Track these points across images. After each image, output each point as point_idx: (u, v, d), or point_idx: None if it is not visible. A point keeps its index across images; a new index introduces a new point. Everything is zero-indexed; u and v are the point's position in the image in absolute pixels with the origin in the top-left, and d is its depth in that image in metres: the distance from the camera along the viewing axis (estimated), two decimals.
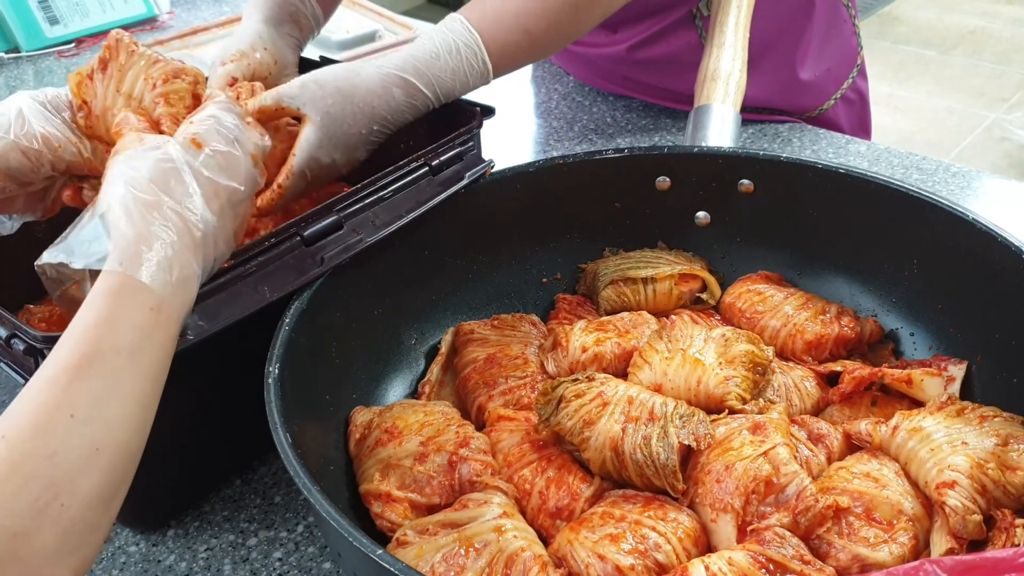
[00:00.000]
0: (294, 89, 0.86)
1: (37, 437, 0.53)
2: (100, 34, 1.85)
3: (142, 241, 0.61)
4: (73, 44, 1.83)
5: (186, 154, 0.66)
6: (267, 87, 0.91)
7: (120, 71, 0.76)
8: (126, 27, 1.88)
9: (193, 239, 0.64)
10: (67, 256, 0.64)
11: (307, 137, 0.84)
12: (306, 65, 1.08)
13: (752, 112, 1.38)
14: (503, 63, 0.95)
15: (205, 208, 0.65)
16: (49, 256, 0.65)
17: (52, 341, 0.68)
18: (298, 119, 0.87)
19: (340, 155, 0.86)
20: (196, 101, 0.77)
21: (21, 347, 0.67)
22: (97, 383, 0.56)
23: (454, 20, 0.94)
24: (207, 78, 0.84)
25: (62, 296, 0.68)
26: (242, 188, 0.69)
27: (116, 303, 0.59)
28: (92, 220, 0.64)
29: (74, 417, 0.54)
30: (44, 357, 0.72)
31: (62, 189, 0.78)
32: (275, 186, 0.85)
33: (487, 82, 0.95)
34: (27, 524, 0.51)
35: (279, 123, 0.89)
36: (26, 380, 0.69)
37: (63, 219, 0.73)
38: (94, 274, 0.63)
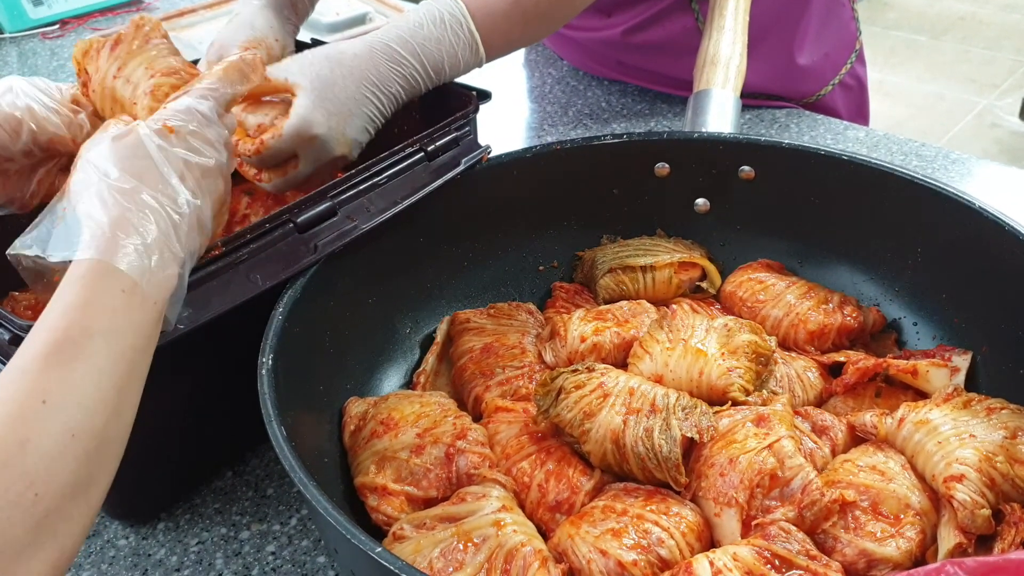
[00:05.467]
0: (283, 63, 0.86)
1: (8, 425, 0.51)
2: (85, 16, 1.82)
3: (117, 227, 0.59)
4: (57, 25, 1.79)
5: (156, 136, 0.64)
6: None
7: (128, 54, 0.76)
8: (111, 9, 1.85)
9: (172, 222, 0.62)
10: (41, 248, 0.62)
11: (299, 102, 0.83)
12: (299, 47, 1.06)
13: (749, 97, 1.36)
14: (494, 38, 0.93)
15: (181, 187, 0.63)
16: (22, 246, 0.63)
17: None
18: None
19: (336, 123, 0.84)
20: None
21: (6, 336, 0.65)
22: (70, 368, 0.54)
23: None
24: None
25: (45, 286, 0.66)
26: (211, 162, 0.67)
27: (87, 287, 0.57)
28: (66, 210, 0.62)
29: (47, 403, 0.52)
30: None
31: (43, 179, 0.76)
32: (258, 140, 0.83)
33: (479, 58, 0.93)
34: None
35: (275, 102, 0.87)
36: None
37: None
38: None
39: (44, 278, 0.65)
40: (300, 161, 0.85)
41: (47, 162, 0.76)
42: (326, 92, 0.84)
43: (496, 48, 0.95)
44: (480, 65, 0.94)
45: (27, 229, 0.64)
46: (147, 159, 0.63)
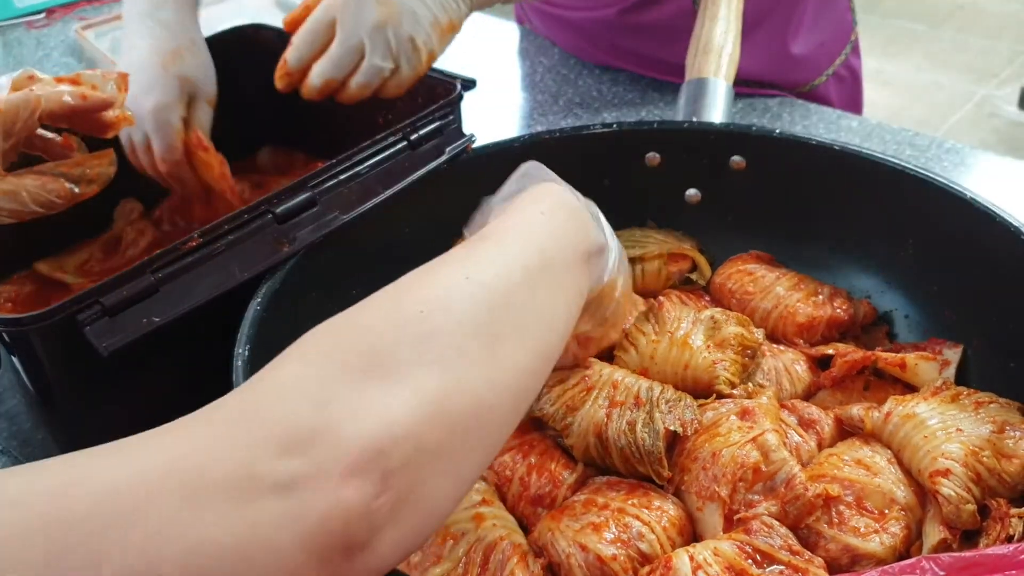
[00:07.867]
0: None
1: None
2: (71, 5, 1.80)
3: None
4: (44, 15, 1.77)
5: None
6: None
7: None
8: None
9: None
10: None
11: None
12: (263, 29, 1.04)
13: (742, 85, 1.34)
14: None
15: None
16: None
17: (9, 324, 0.65)
18: None
19: None
20: None
21: None
22: (548, 293, 0.56)
23: None
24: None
25: None
26: None
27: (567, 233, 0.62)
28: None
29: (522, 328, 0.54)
30: (5, 340, 0.69)
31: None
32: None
33: None
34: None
35: None
36: None
37: None
38: None
39: None
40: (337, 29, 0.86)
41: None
42: None
43: None
44: None
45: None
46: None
